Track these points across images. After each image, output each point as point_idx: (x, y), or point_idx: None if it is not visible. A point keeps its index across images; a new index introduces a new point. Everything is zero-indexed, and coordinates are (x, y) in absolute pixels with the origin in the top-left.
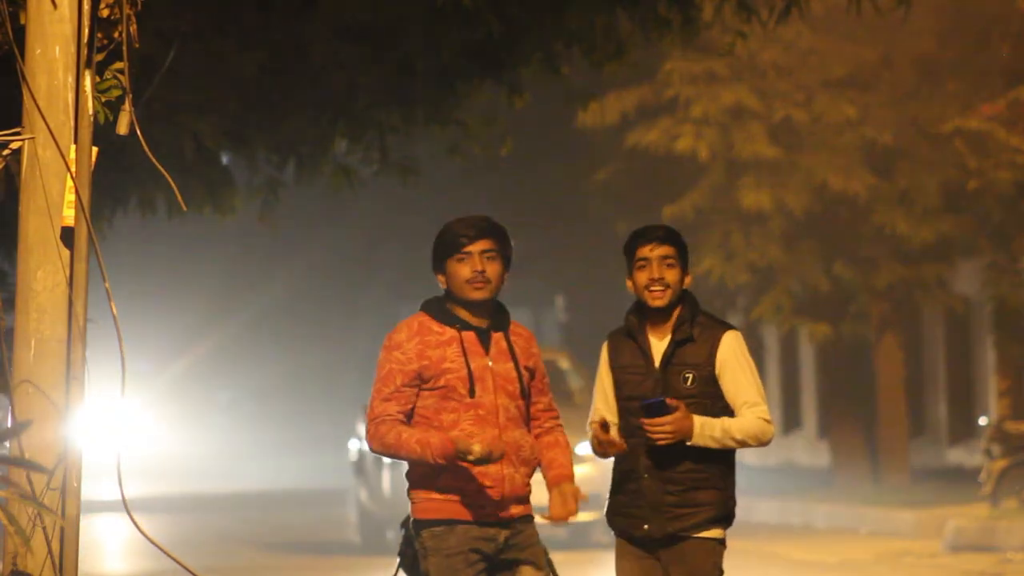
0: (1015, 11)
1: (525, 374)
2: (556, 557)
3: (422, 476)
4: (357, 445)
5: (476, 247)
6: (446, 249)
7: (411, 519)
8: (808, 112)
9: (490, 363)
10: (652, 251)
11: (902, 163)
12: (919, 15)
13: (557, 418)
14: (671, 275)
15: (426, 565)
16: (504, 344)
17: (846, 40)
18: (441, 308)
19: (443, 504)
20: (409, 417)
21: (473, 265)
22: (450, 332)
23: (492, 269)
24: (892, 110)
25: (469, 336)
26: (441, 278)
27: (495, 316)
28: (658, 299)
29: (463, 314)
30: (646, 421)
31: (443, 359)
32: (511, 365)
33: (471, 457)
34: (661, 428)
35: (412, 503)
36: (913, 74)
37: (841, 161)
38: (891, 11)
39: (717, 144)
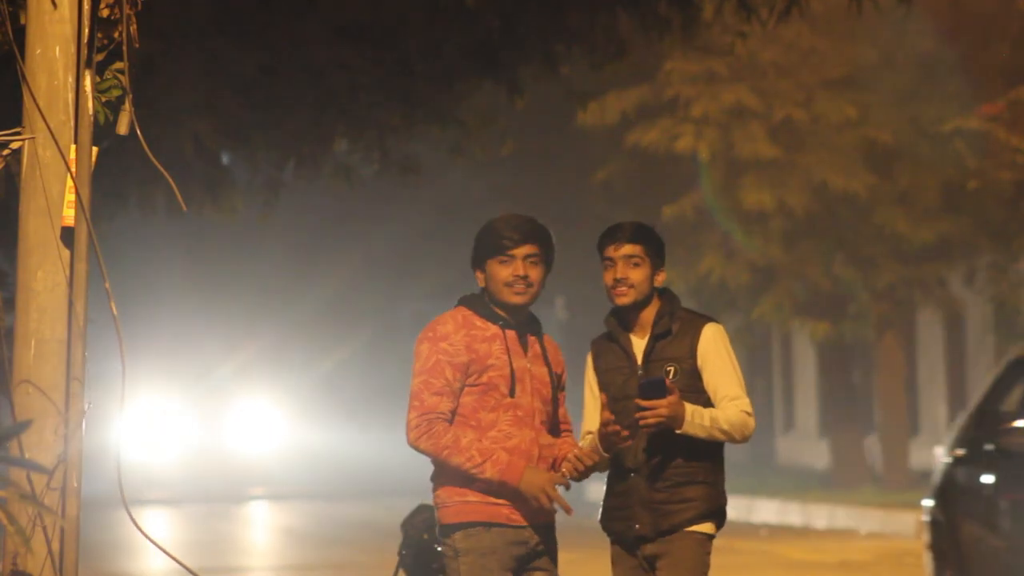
0: (1015, 11)
1: (555, 380)
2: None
3: (455, 478)
4: None
5: (520, 251)
6: (488, 249)
7: (440, 523)
8: (808, 112)
9: (528, 365)
10: (616, 251)
11: (902, 163)
12: (919, 15)
13: (569, 429)
14: (636, 274)
15: (456, 565)
16: (539, 348)
17: (846, 40)
18: (483, 304)
19: (479, 507)
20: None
21: (515, 269)
22: (494, 328)
23: (535, 274)
24: (892, 110)
25: (511, 335)
26: (480, 276)
27: (530, 320)
28: (621, 297)
29: (502, 314)
30: (641, 402)
31: (489, 355)
32: (545, 369)
33: (567, 478)
34: (656, 411)
35: (444, 506)
36: (913, 74)
37: (841, 161)
38: (891, 11)
39: (717, 144)
